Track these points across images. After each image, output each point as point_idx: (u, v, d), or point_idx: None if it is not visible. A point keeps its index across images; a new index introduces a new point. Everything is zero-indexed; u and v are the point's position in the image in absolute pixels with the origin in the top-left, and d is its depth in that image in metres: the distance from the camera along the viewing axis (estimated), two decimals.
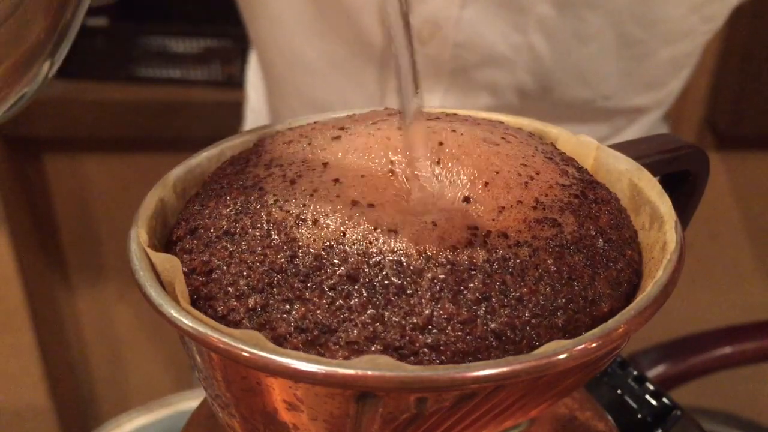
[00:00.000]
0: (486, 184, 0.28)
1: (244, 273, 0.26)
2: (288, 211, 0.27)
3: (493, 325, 0.24)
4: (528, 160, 0.30)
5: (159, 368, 1.22)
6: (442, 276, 0.25)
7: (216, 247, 0.27)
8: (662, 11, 0.55)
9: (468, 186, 0.28)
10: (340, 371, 0.22)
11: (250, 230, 0.27)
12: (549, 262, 0.26)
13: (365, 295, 0.24)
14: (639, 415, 0.37)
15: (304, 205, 0.27)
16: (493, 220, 0.27)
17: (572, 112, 0.62)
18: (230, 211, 0.28)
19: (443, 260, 0.25)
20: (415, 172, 0.29)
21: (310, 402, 0.24)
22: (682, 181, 0.34)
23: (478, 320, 0.24)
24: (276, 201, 0.28)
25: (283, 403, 0.24)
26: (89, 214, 1.12)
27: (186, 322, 0.24)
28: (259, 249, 0.26)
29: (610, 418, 0.36)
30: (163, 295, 0.25)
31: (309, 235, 0.26)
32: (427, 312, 0.24)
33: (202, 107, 0.98)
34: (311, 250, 0.26)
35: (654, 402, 0.37)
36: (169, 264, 0.26)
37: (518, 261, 0.25)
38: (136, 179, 1.02)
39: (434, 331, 0.24)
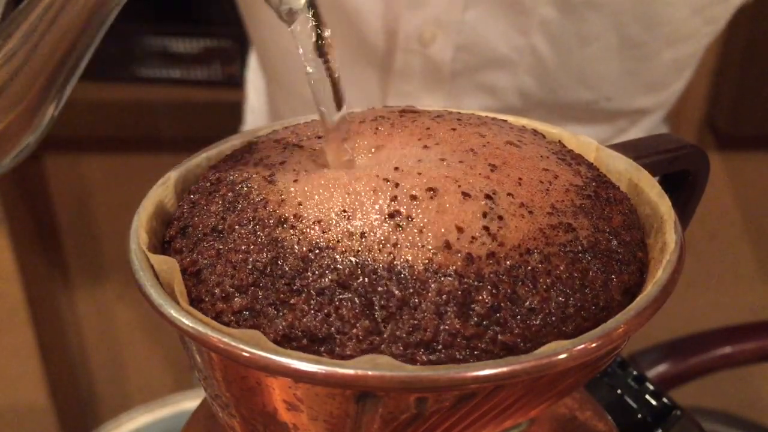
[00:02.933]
0: (510, 194, 0.27)
1: (229, 273, 0.25)
2: (273, 210, 0.26)
3: (502, 338, 0.23)
4: (546, 163, 0.29)
5: (159, 368, 1.22)
6: (447, 288, 0.24)
7: (203, 246, 0.26)
8: (665, 13, 0.55)
9: (488, 193, 0.27)
10: (340, 371, 0.22)
11: (237, 227, 0.26)
12: (561, 268, 0.25)
13: (358, 304, 0.24)
14: (639, 415, 0.37)
15: (289, 204, 0.26)
16: (509, 228, 0.26)
17: (574, 113, 0.62)
18: (218, 208, 0.28)
19: (451, 271, 0.24)
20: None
21: (310, 402, 0.24)
22: (682, 181, 0.34)
23: (487, 335, 0.23)
24: (262, 199, 0.27)
25: (283, 403, 0.24)
26: (89, 214, 1.12)
27: (186, 322, 0.24)
28: (244, 247, 0.26)
29: (610, 418, 0.36)
30: (163, 295, 0.25)
31: (293, 236, 0.25)
32: (431, 328, 0.23)
33: (202, 107, 0.98)
34: (296, 250, 0.25)
35: (654, 402, 0.37)
36: (166, 265, 0.26)
37: (529, 269, 0.25)
38: (136, 179, 1.01)
39: (438, 347, 0.23)
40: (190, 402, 0.60)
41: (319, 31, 0.27)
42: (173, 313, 0.24)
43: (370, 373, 0.21)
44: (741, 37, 0.94)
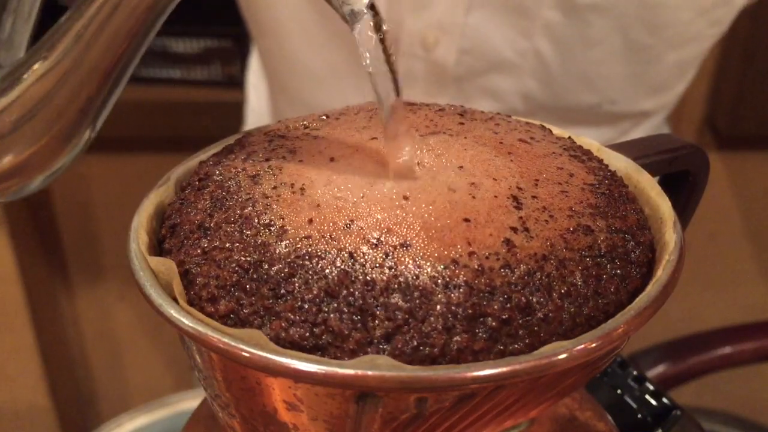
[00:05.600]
0: (534, 197, 0.26)
1: (213, 273, 0.25)
2: (261, 211, 0.26)
3: (510, 349, 0.23)
4: (560, 161, 0.29)
5: (159, 368, 1.22)
6: (456, 301, 0.23)
7: (189, 244, 0.26)
8: (669, 16, 0.55)
9: (507, 194, 0.26)
10: (340, 371, 0.22)
11: (224, 225, 0.26)
12: (577, 274, 0.24)
13: (347, 314, 0.23)
14: (639, 415, 0.37)
15: (276, 208, 0.26)
16: (531, 237, 0.25)
17: (578, 116, 0.62)
18: (206, 205, 0.27)
19: (461, 282, 0.23)
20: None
21: (309, 402, 0.24)
22: (682, 181, 0.34)
23: (496, 348, 0.23)
24: (249, 198, 0.27)
25: (283, 403, 0.24)
26: (89, 214, 1.12)
27: (186, 322, 0.23)
28: (228, 245, 0.25)
29: (610, 418, 0.36)
30: (163, 296, 0.25)
31: (280, 241, 0.25)
32: (438, 344, 0.22)
33: (202, 107, 0.98)
34: (282, 255, 0.24)
35: (654, 402, 0.37)
36: (164, 266, 0.25)
37: (545, 275, 0.24)
38: (136, 179, 1.01)
39: (444, 361, 0.23)
40: (190, 402, 0.60)
41: (381, 28, 0.27)
42: (173, 313, 0.24)
43: (370, 373, 0.21)
44: (741, 38, 0.94)
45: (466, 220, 0.25)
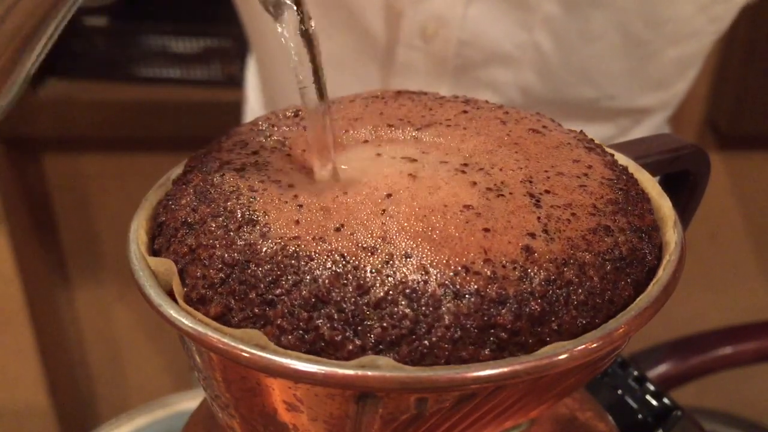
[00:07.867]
0: (547, 192, 0.25)
1: (200, 273, 0.24)
2: (242, 203, 0.25)
3: (518, 355, 0.22)
4: (576, 153, 0.28)
5: (159, 368, 1.22)
6: (465, 311, 0.22)
7: (176, 242, 0.26)
8: (669, 11, 0.55)
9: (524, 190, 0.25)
10: (340, 372, 0.21)
11: (208, 220, 0.25)
12: (595, 279, 0.24)
13: (338, 321, 0.22)
14: (639, 416, 0.37)
15: (256, 200, 0.25)
16: (551, 239, 0.24)
17: (577, 111, 0.62)
18: (190, 200, 0.27)
19: (472, 289, 0.22)
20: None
21: (309, 402, 0.24)
22: (683, 181, 0.34)
23: (502, 356, 0.22)
24: (233, 191, 0.26)
25: (283, 404, 0.24)
26: (89, 214, 1.12)
27: (186, 322, 0.23)
28: (212, 241, 0.24)
29: (610, 418, 0.36)
30: (163, 296, 0.24)
31: (265, 240, 0.24)
32: (443, 356, 0.22)
33: (202, 107, 0.98)
34: (268, 254, 0.24)
35: (654, 402, 0.37)
36: (164, 267, 0.25)
37: (564, 283, 0.23)
38: (136, 179, 1.01)
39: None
40: (189, 402, 0.60)
41: (303, 22, 0.26)
42: (173, 313, 0.24)
43: (370, 373, 0.21)
44: (742, 37, 0.94)
45: (486, 230, 0.24)
